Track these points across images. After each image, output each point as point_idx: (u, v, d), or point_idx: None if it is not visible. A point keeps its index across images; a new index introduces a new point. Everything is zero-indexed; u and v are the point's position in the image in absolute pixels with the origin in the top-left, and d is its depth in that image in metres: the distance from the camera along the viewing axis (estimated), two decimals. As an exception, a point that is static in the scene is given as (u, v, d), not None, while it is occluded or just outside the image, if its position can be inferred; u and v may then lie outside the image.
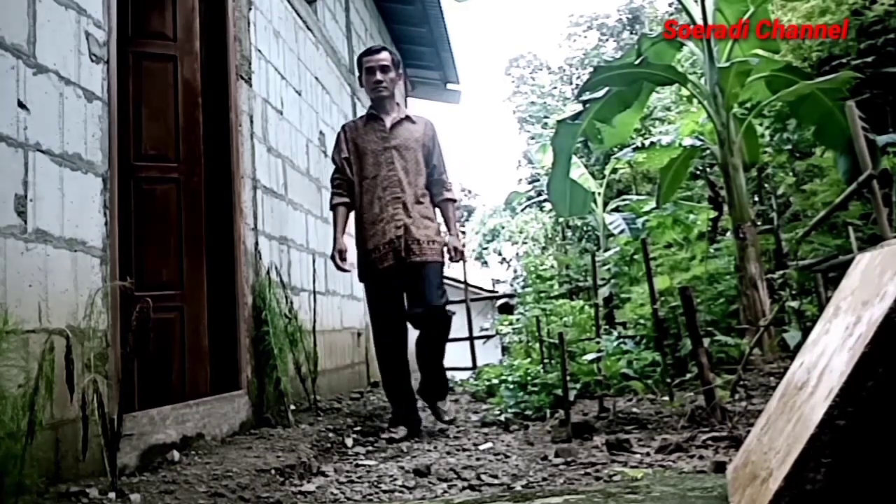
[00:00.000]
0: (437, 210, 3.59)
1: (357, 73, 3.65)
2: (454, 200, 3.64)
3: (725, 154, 4.81)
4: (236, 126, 3.38)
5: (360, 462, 2.74)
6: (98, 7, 2.39)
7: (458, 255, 3.54)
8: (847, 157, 4.43)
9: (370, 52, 3.59)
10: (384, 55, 3.53)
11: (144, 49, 3.17)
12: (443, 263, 3.52)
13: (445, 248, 3.52)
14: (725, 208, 5.50)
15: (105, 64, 2.40)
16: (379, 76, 3.48)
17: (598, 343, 3.86)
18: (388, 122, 3.50)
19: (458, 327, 8.36)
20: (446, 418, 3.57)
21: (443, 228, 3.65)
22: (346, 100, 5.80)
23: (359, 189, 3.47)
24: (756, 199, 6.51)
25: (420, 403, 3.60)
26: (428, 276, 3.40)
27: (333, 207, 3.53)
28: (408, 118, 3.56)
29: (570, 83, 19.08)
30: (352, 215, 3.55)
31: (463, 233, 21.52)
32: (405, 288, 3.43)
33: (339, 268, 3.49)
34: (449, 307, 3.52)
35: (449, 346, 3.59)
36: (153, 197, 3.11)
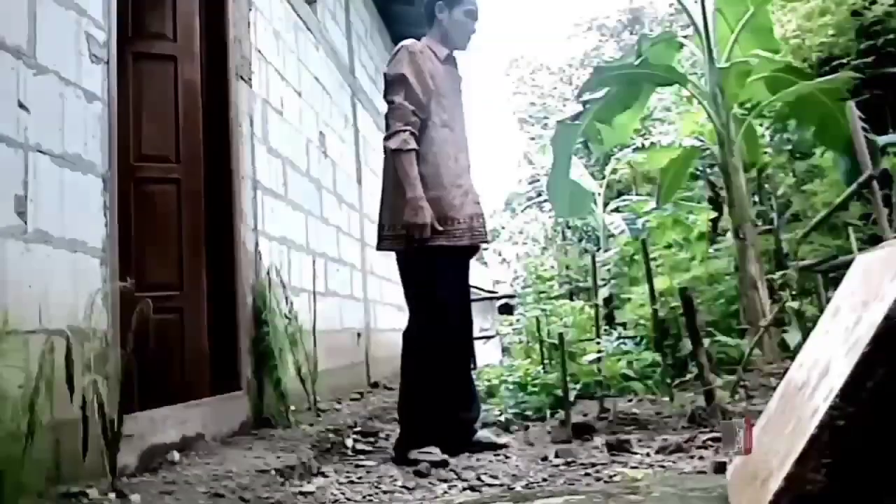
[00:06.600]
0: None
1: (446, 10, 2.94)
2: None
3: (725, 154, 4.81)
4: (236, 126, 3.38)
5: (360, 462, 2.74)
6: (98, 7, 2.39)
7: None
8: (847, 157, 4.42)
9: None
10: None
11: (144, 49, 3.17)
12: None
13: None
14: (725, 209, 5.49)
15: (105, 64, 2.39)
16: (474, 27, 2.98)
17: (598, 344, 3.85)
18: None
19: (458, 328, 8.40)
20: (501, 441, 2.86)
21: None
22: (346, 100, 5.80)
23: (434, 134, 2.73)
24: (756, 199, 6.50)
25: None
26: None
27: (406, 153, 2.64)
28: None
29: (570, 84, 19.03)
30: None
31: None
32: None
33: (424, 242, 2.64)
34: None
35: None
36: (153, 197, 3.11)
